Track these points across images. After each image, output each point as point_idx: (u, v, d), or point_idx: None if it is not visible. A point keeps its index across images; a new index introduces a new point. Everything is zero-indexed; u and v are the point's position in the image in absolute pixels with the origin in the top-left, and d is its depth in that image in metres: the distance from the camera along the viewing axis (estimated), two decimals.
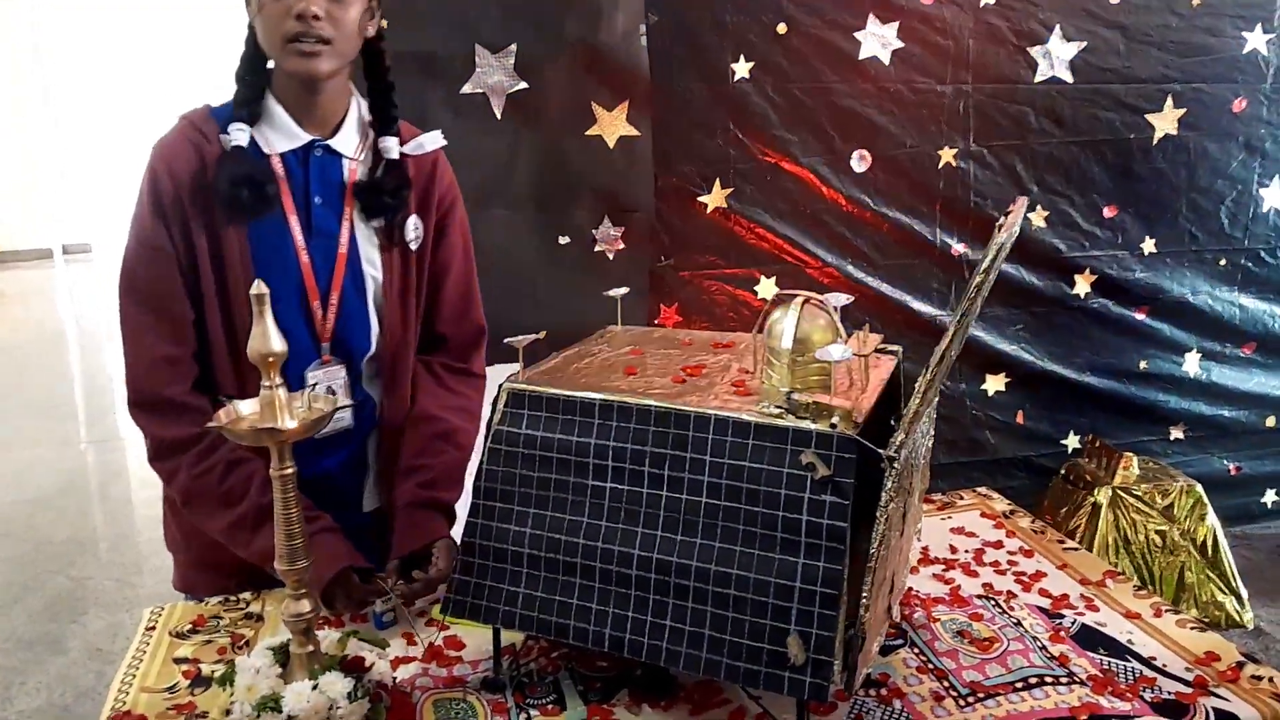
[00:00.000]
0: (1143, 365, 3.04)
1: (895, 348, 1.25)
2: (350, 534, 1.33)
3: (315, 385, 1.32)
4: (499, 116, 2.36)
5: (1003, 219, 1.00)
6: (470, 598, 1.09)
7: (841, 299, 1.12)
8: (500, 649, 1.14)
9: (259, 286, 0.96)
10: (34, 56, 9.62)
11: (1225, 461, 3.22)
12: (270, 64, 1.30)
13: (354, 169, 1.34)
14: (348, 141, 1.34)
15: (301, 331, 1.32)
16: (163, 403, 1.27)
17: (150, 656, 1.21)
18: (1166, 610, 1.29)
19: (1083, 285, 2.92)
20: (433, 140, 1.40)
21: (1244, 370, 3.14)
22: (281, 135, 1.30)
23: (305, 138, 1.31)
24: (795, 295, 1.11)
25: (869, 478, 0.97)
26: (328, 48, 1.23)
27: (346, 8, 1.23)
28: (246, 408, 1.01)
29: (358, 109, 1.36)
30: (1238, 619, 2.79)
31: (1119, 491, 2.78)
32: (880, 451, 0.96)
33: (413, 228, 1.38)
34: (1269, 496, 3.30)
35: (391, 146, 1.35)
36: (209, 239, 1.26)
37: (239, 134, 1.26)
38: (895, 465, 0.96)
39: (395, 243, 1.37)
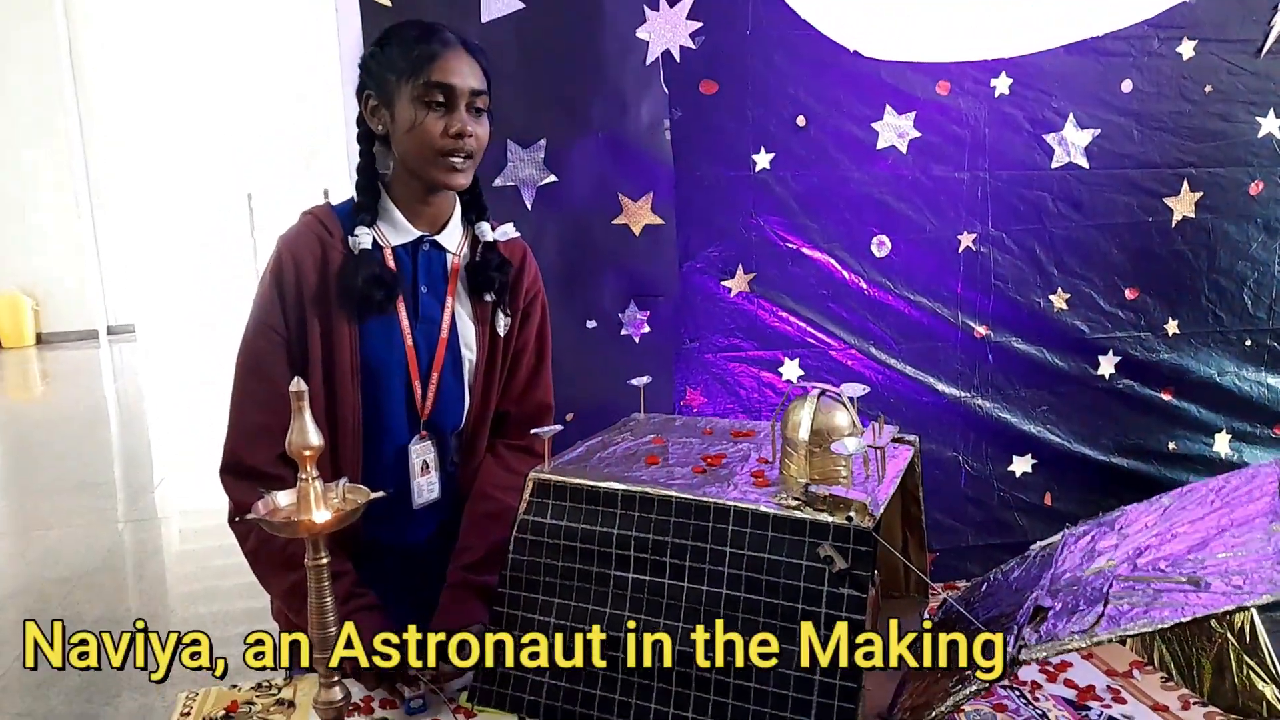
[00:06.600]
0: (1171, 446, 3.01)
1: (912, 437, 1.28)
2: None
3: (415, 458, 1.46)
4: (529, 207, 2.45)
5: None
6: (496, 686, 1.12)
7: (858, 389, 1.16)
8: None
9: (298, 384, 1.01)
10: (81, 141, 10.08)
11: None
12: (379, 168, 1.44)
13: (456, 261, 1.48)
14: (452, 237, 1.48)
15: (403, 409, 1.44)
16: (248, 469, 1.35)
17: None
18: (1195, 703, 1.29)
19: (1107, 366, 2.93)
20: (513, 230, 1.54)
21: (1275, 450, 3.10)
22: (395, 231, 1.43)
23: (415, 234, 1.44)
24: (812, 387, 1.14)
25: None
26: (470, 162, 1.38)
27: (481, 125, 1.38)
28: (284, 499, 1.05)
29: (460, 210, 1.50)
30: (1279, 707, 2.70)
31: None
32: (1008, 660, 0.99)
33: (502, 315, 1.50)
34: None
35: (486, 230, 1.49)
36: (321, 323, 1.37)
37: (365, 237, 1.39)
38: (1015, 671, 1.00)
39: (487, 326, 1.49)
